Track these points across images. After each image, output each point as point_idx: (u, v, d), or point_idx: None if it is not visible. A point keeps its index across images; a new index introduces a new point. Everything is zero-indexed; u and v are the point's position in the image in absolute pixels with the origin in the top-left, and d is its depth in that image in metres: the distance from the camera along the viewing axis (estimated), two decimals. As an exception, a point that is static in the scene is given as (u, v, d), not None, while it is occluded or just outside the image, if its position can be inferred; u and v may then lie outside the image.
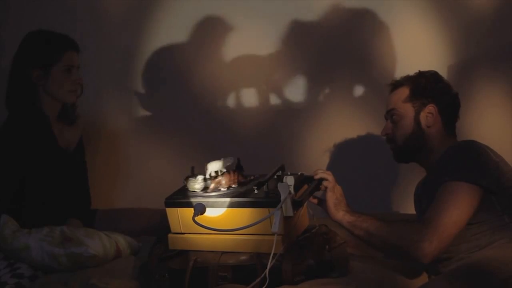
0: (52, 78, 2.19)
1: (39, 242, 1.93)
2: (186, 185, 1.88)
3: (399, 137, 2.04)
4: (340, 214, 1.89)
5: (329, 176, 1.93)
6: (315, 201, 1.98)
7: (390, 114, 2.06)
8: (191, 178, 1.86)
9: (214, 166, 1.88)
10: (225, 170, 1.88)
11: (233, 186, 1.86)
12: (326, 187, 1.92)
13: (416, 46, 2.72)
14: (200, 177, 1.86)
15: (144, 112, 2.81)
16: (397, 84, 2.09)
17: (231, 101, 2.79)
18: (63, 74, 2.20)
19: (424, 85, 2.03)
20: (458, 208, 1.76)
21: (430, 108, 2.01)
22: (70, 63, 2.21)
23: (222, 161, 1.89)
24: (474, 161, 1.83)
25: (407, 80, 2.07)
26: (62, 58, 2.19)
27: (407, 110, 2.02)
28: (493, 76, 2.74)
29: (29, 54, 2.20)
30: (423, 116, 2.01)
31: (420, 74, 2.07)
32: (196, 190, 1.84)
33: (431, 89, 2.03)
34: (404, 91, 2.05)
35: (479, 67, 2.74)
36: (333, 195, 1.91)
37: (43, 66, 2.18)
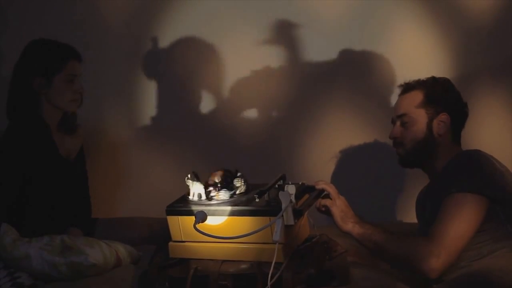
0: (55, 87, 2.20)
1: (39, 251, 1.93)
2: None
3: (409, 142, 2.00)
4: (349, 226, 1.88)
5: (331, 189, 1.90)
6: (323, 208, 1.93)
7: (401, 119, 2.02)
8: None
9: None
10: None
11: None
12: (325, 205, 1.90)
13: (416, 54, 2.73)
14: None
15: (144, 122, 2.82)
16: (409, 87, 2.05)
17: (232, 111, 2.79)
18: (65, 84, 2.21)
19: (439, 92, 2.00)
20: (464, 221, 1.76)
21: (443, 117, 1.98)
22: (72, 72, 2.22)
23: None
24: (480, 171, 1.82)
25: (421, 85, 2.02)
26: (64, 67, 2.20)
27: (420, 116, 1.99)
28: (493, 84, 2.75)
29: (32, 63, 2.21)
30: (435, 123, 1.98)
31: (434, 80, 2.04)
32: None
33: (445, 97, 2.00)
34: (418, 96, 2.01)
35: (479, 75, 2.75)
36: (338, 208, 1.89)
37: (46, 75, 2.19)
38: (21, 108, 2.21)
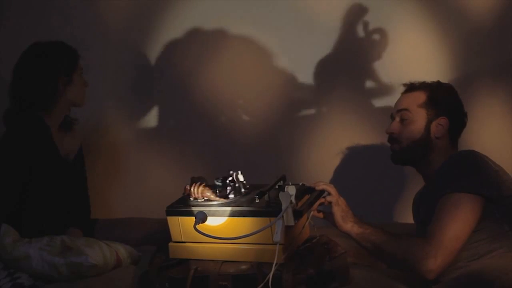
0: (74, 83, 2.27)
1: (39, 251, 1.93)
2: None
3: (405, 139, 2.00)
4: (349, 225, 1.89)
5: (331, 189, 1.92)
6: (321, 215, 1.97)
7: (401, 114, 2.02)
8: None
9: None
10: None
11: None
12: (330, 202, 1.91)
13: (417, 55, 2.73)
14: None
15: (144, 122, 2.82)
16: (413, 87, 2.05)
17: (232, 111, 2.79)
18: (80, 79, 2.30)
19: (442, 96, 2.01)
20: (461, 221, 1.76)
21: (442, 120, 1.98)
22: (81, 67, 2.31)
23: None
24: (474, 170, 1.83)
25: (425, 86, 2.03)
26: (77, 64, 2.29)
27: (420, 116, 1.99)
28: (493, 85, 2.75)
29: (56, 63, 2.24)
30: (434, 125, 1.98)
31: (439, 84, 2.05)
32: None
33: (447, 102, 2.01)
34: (421, 96, 2.01)
35: (479, 76, 2.75)
36: (339, 207, 1.90)
37: (68, 73, 2.25)
38: (35, 110, 2.22)
